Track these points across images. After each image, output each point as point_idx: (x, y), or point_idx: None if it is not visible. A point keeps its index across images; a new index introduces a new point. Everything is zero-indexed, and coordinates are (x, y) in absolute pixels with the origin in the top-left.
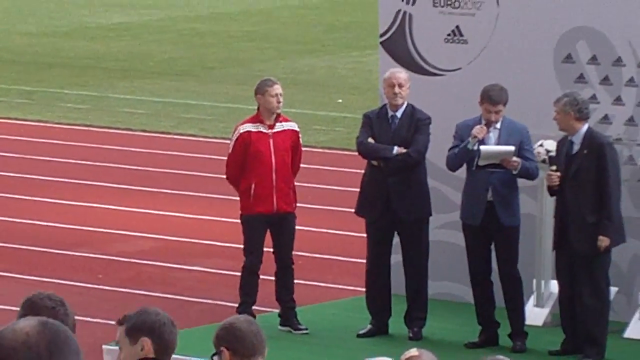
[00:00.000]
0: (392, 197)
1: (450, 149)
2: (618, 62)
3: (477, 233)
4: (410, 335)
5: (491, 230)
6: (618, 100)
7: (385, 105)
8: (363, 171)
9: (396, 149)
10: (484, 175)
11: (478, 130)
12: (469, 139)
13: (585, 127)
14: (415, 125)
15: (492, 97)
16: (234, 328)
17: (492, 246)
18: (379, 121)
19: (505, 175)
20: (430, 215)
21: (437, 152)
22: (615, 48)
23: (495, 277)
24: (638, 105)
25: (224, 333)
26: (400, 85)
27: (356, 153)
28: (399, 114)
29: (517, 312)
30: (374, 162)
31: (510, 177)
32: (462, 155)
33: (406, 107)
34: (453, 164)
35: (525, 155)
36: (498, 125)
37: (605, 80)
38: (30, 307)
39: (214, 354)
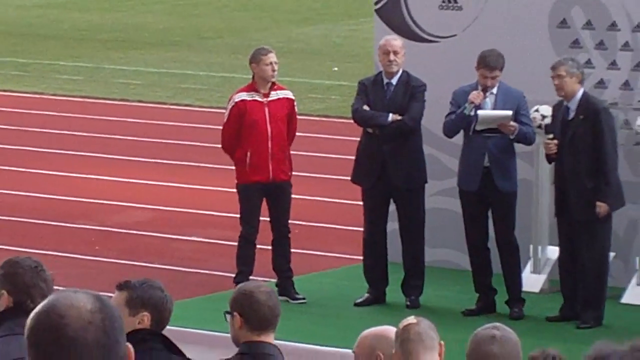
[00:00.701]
0: (387, 164)
1: (447, 115)
2: (613, 26)
3: (474, 199)
4: (408, 303)
5: (488, 196)
6: (613, 65)
7: (380, 72)
8: (359, 139)
9: (391, 116)
10: (480, 141)
11: (475, 96)
12: (465, 105)
13: (581, 91)
14: (411, 92)
15: (489, 62)
16: (252, 297)
17: (490, 213)
18: (374, 88)
19: (502, 141)
20: (426, 182)
21: (432, 119)
22: (609, 12)
23: (492, 244)
24: (633, 70)
25: (241, 298)
26: (395, 53)
27: (352, 121)
28: (394, 81)
29: (514, 279)
30: (369, 130)
31: (507, 143)
32: (459, 121)
33: (401, 74)
34: (450, 130)
35: (522, 121)
36: (494, 91)
37: (600, 45)
38: (11, 265)
39: (226, 312)
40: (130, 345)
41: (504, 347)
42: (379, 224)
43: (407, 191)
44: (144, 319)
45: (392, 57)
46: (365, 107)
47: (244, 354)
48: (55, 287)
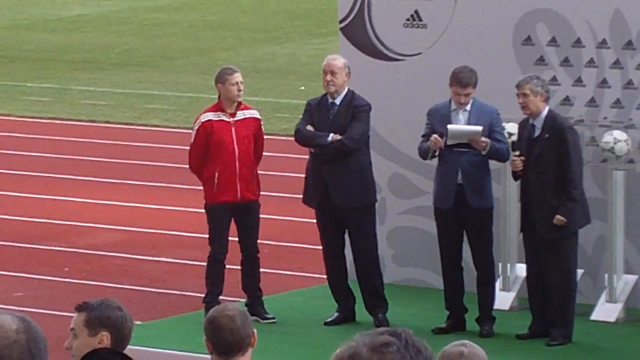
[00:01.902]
0: (328, 185)
1: (423, 135)
2: (577, 43)
3: (449, 217)
4: (376, 323)
5: (462, 213)
6: (578, 82)
7: (327, 92)
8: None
9: (331, 136)
10: (453, 158)
11: (434, 143)
12: (429, 147)
13: (546, 109)
14: (353, 112)
15: (461, 80)
16: (214, 322)
17: (465, 231)
18: (319, 108)
19: (475, 158)
20: (374, 202)
21: (400, 138)
22: (574, 29)
23: (464, 262)
24: (598, 86)
25: (206, 325)
26: (332, 73)
27: None
28: (337, 101)
29: (487, 297)
30: (312, 150)
31: (480, 159)
32: (425, 155)
33: (346, 94)
34: (422, 156)
35: (495, 137)
36: (468, 108)
37: (565, 62)
38: None
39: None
40: None
41: None
42: (334, 244)
43: (351, 211)
44: (104, 339)
45: (329, 77)
46: (309, 127)
47: None
48: (25, 309)
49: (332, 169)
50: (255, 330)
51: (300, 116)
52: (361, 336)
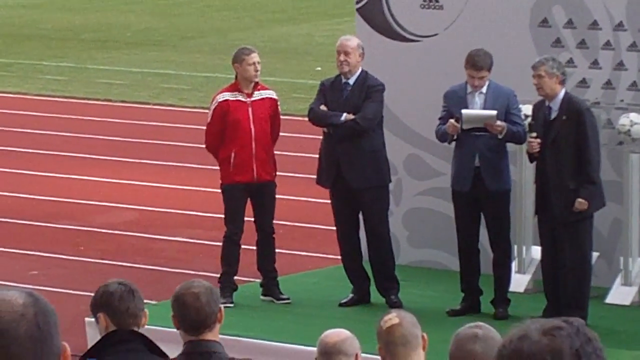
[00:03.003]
0: (342, 165)
1: (440, 118)
2: (594, 25)
3: (466, 200)
4: (389, 303)
5: (480, 196)
6: (595, 64)
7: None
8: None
9: (344, 116)
10: (470, 141)
11: (451, 128)
12: (446, 129)
13: (563, 91)
14: (367, 92)
15: (476, 63)
16: (179, 300)
17: (482, 214)
18: (332, 88)
19: (492, 140)
20: (387, 183)
21: (416, 119)
22: (590, 11)
23: (480, 244)
24: (615, 69)
25: (172, 302)
26: (346, 53)
27: None
28: (351, 81)
29: (503, 279)
30: (326, 130)
31: (497, 142)
32: (442, 138)
33: (359, 74)
34: (440, 140)
35: (512, 120)
36: (484, 90)
37: (581, 44)
38: None
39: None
40: (66, 345)
41: (486, 345)
42: (348, 225)
43: (365, 192)
44: (101, 319)
45: (342, 57)
46: (323, 107)
47: (186, 353)
48: (40, 288)
49: (346, 149)
50: (222, 307)
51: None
52: (533, 321)
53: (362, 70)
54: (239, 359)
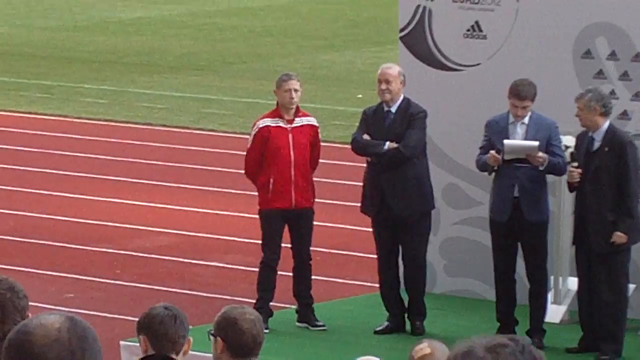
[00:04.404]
0: (386, 193)
1: (481, 147)
2: (637, 57)
3: (504, 229)
4: (414, 330)
5: (517, 226)
6: (637, 96)
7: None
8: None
9: (387, 145)
10: (510, 171)
11: (492, 160)
12: (486, 161)
13: (607, 123)
14: (409, 119)
15: (519, 92)
16: (236, 324)
17: (519, 244)
18: (375, 117)
19: (532, 171)
20: (431, 209)
21: (456, 148)
22: (634, 43)
23: (516, 274)
24: None
25: (225, 324)
26: (387, 82)
27: None
28: (393, 109)
29: (539, 310)
30: (369, 159)
31: (537, 173)
32: (483, 168)
33: (402, 101)
34: (481, 169)
35: (553, 151)
36: (526, 120)
37: (624, 76)
38: None
39: (210, 332)
40: None
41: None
42: (390, 253)
43: (409, 218)
44: (142, 342)
45: (384, 85)
46: (366, 136)
47: None
48: (75, 310)
49: (390, 177)
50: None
51: (357, 124)
52: (479, 337)
53: (404, 98)
54: None
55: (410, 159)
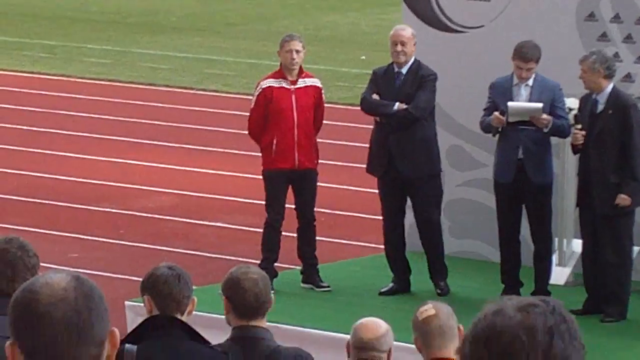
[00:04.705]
0: (393, 154)
1: (485, 109)
2: None
3: (508, 191)
4: (438, 291)
5: (522, 188)
6: None
7: (393, 62)
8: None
9: (397, 105)
10: (514, 134)
11: (496, 121)
12: (490, 122)
13: (610, 85)
14: (419, 81)
15: (524, 54)
16: (238, 284)
17: (524, 206)
18: (385, 77)
19: (536, 134)
20: (438, 172)
21: (460, 110)
22: (638, 6)
23: (521, 236)
24: None
25: (229, 283)
26: (402, 43)
27: None
28: (404, 70)
29: (544, 272)
30: (378, 119)
31: (541, 135)
32: (487, 129)
33: (412, 63)
34: (484, 131)
35: (557, 113)
36: (530, 82)
37: (628, 39)
38: None
39: (219, 292)
40: (116, 330)
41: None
42: (396, 214)
43: (417, 181)
44: (146, 302)
45: (399, 47)
46: (375, 96)
47: (235, 338)
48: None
49: (398, 138)
50: (273, 296)
51: (362, 85)
52: (510, 297)
53: (415, 59)
54: (286, 346)
55: (419, 120)
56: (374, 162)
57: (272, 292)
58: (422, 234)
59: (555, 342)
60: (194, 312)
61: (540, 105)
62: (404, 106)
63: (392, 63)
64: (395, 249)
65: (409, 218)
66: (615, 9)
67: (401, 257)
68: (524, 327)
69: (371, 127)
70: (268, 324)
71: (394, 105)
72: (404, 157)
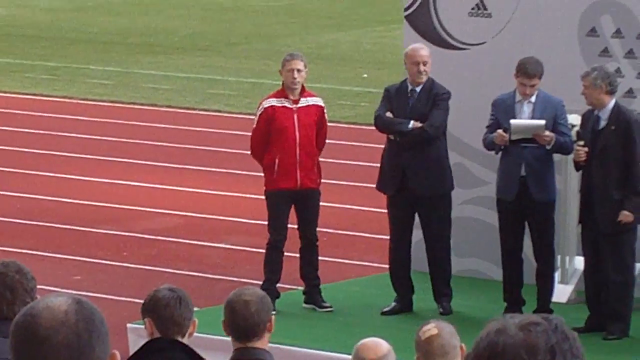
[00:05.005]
0: (407, 172)
1: (487, 126)
2: None
3: (511, 208)
4: (441, 310)
5: (525, 206)
6: None
7: (405, 79)
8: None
9: (412, 123)
10: (517, 151)
11: (499, 139)
12: (493, 140)
13: (612, 101)
14: (434, 100)
15: (528, 71)
16: (230, 306)
17: (527, 223)
18: (398, 95)
19: (539, 151)
20: (451, 190)
21: (462, 127)
22: (639, 21)
23: (523, 254)
24: None
25: (225, 305)
26: (424, 63)
27: None
28: (418, 88)
29: (546, 290)
30: (391, 137)
31: (543, 152)
32: (490, 146)
33: (426, 81)
34: (487, 148)
35: (560, 130)
36: (533, 99)
37: (629, 54)
38: None
39: None
40: (117, 353)
41: None
42: (404, 233)
43: (429, 199)
44: (147, 325)
45: (422, 67)
46: (388, 114)
47: None
48: (83, 293)
49: (412, 156)
50: (273, 317)
51: (364, 103)
52: (512, 315)
53: (429, 77)
54: None
55: (435, 139)
56: (386, 180)
57: (274, 312)
58: (431, 253)
59: None
60: (196, 334)
61: (542, 122)
62: (419, 124)
63: (404, 80)
64: (401, 268)
65: (414, 237)
66: (616, 24)
67: (406, 277)
68: (525, 346)
69: (374, 145)
70: (270, 345)
71: (409, 123)
72: (418, 175)
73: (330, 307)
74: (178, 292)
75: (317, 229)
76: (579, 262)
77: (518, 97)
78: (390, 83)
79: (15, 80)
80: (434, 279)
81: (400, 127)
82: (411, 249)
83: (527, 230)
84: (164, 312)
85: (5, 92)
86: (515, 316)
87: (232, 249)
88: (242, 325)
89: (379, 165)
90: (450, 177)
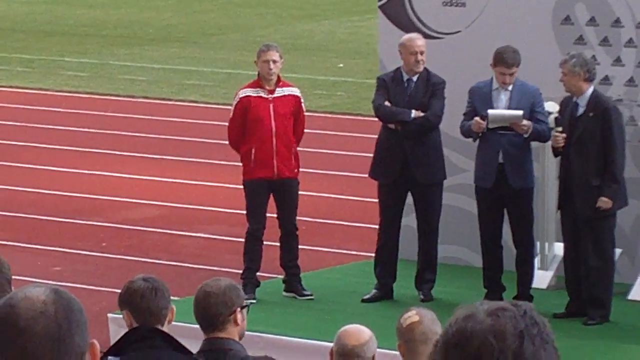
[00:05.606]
0: (409, 160)
1: (464, 114)
2: (617, 23)
3: (489, 196)
4: (422, 297)
5: (503, 193)
6: (617, 61)
7: (399, 68)
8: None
9: (414, 113)
10: (494, 138)
11: (476, 127)
12: (471, 127)
13: (591, 89)
14: (432, 89)
15: (506, 60)
16: (195, 297)
17: (505, 210)
18: (395, 84)
19: (517, 138)
20: (445, 178)
21: None
22: (613, 9)
23: (503, 241)
24: (638, 66)
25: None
26: (421, 53)
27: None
28: (414, 78)
29: (526, 276)
30: (391, 126)
31: (521, 140)
32: (467, 134)
33: (421, 71)
34: (464, 136)
35: (537, 118)
36: (510, 87)
37: (604, 42)
38: None
39: None
40: (95, 342)
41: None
42: (395, 220)
43: (427, 187)
44: (125, 316)
45: (419, 57)
46: (387, 103)
47: (202, 350)
48: (63, 284)
49: (414, 145)
50: (239, 309)
51: (340, 93)
52: (481, 302)
53: (424, 67)
54: (255, 356)
55: (436, 128)
56: (382, 169)
57: (253, 301)
58: (423, 240)
59: (525, 346)
60: (175, 323)
61: (520, 112)
62: (421, 114)
63: (397, 70)
64: (389, 254)
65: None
66: (590, 12)
67: (391, 263)
68: (493, 331)
69: (350, 134)
70: (251, 333)
71: (410, 112)
72: (419, 164)
73: (311, 295)
74: (152, 282)
75: (297, 217)
76: (559, 248)
77: (495, 85)
78: (366, 73)
79: None
80: (421, 265)
81: (403, 116)
82: (399, 236)
83: (506, 217)
84: (140, 304)
85: None
86: (484, 302)
87: (210, 238)
88: (201, 316)
89: (354, 153)
90: (444, 165)
